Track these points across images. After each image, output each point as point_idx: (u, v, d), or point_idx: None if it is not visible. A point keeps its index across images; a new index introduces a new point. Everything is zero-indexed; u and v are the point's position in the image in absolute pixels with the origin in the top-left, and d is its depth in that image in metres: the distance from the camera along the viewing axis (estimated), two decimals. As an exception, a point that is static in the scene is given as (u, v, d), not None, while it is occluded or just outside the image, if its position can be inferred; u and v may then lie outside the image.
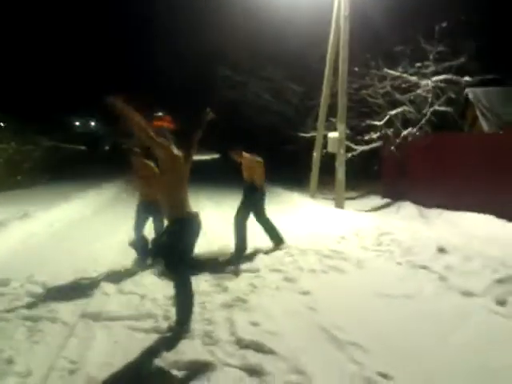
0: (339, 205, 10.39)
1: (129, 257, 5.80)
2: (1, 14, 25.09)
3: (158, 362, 3.17)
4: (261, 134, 24.16)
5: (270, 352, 3.32)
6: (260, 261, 5.85)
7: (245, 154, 6.50)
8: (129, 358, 3.27)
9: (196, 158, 6.40)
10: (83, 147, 32.07)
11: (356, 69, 12.35)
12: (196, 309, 4.11)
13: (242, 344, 3.45)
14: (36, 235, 7.35)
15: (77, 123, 52.40)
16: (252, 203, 6.48)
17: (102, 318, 3.94)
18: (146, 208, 5.70)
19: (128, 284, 4.89)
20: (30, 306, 4.22)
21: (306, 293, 4.62)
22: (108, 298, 4.46)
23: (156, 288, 4.74)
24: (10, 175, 13.70)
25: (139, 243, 5.71)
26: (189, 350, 3.35)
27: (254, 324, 3.78)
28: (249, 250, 6.44)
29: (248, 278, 5.12)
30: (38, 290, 4.73)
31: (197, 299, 4.33)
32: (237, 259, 5.87)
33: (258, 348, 3.38)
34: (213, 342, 3.47)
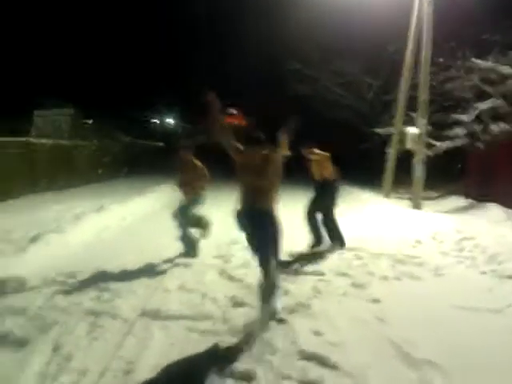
0: (416, 205, 9.66)
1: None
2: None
3: (213, 368, 3.00)
4: (332, 131, 23.47)
5: (333, 366, 3.02)
6: (326, 263, 5.53)
7: (316, 151, 6.20)
8: (183, 361, 3.14)
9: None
10: (161, 143, 33.36)
11: (440, 59, 11.41)
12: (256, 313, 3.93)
13: (303, 355, 3.18)
14: (109, 228, 7.61)
15: (155, 120, 54.87)
16: (323, 200, 6.17)
17: (161, 317, 3.87)
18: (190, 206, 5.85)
19: (190, 281, 4.82)
20: (94, 300, 4.27)
21: (375, 301, 4.23)
22: (169, 295, 4.41)
23: (217, 287, 4.61)
24: (92, 169, 14.54)
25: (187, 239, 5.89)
26: (245, 358, 3.15)
27: (317, 333, 3.49)
28: (314, 251, 6.14)
29: (312, 281, 4.82)
30: (104, 283, 4.79)
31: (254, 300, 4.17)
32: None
33: (320, 361, 3.09)
34: (271, 351, 3.24)
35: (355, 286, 4.64)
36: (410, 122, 11.91)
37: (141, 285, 4.75)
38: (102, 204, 9.20)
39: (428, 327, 3.63)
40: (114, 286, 4.71)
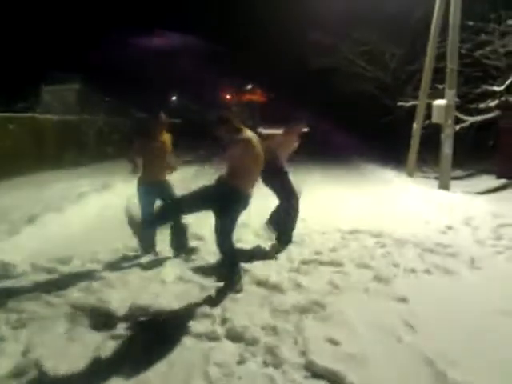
0: (444, 185, 8.88)
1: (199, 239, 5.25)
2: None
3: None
4: (354, 105, 22.48)
5: (351, 387, 2.45)
6: (344, 251, 4.90)
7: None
8: (173, 375, 2.62)
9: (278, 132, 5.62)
10: (178, 120, 32.90)
11: (470, 23, 10.38)
12: (262, 309, 3.39)
13: (314, 370, 2.62)
14: (111, 207, 7.09)
15: (173, 98, 54.40)
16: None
17: (151, 313, 3.36)
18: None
19: (189, 270, 4.29)
20: (81, 291, 3.79)
21: (402, 300, 3.61)
22: (164, 287, 3.89)
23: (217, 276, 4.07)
24: (101, 147, 14.07)
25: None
26: (244, 371, 2.62)
27: (332, 342, 2.92)
28: (332, 236, 5.53)
29: (329, 273, 4.23)
30: (97, 271, 4.33)
31: (264, 295, 3.62)
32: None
33: (334, 379, 2.53)
34: (276, 363, 2.69)
35: (378, 280, 4.02)
36: (436, 94, 11.02)
37: (135, 274, 4.25)
38: (107, 182, 8.74)
39: (469, 338, 2.99)
40: (106, 274, 4.23)
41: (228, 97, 53.96)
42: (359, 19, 15.49)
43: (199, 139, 19.99)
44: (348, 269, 4.33)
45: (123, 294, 3.72)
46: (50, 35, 23.29)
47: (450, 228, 5.93)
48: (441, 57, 10.66)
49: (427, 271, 4.27)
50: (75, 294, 3.75)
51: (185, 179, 10.96)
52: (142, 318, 3.29)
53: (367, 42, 16.32)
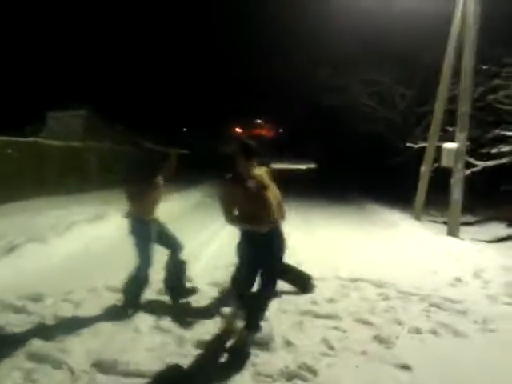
0: (453, 232, 8.43)
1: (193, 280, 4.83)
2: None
3: None
4: (363, 144, 22.31)
5: None
6: (344, 303, 4.46)
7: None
8: None
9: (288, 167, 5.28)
10: (185, 151, 33.15)
11: (484, 67, 10.19)
12: (243, 372, 2.95)
13: None
14: (99, 241, 6.77)
15: (184, 129, 55.26)
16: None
17: (116, 372, 2.93)
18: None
19: (169, 317, 3.87)
20: (43, 338, 3.38)
21: (405, 368, 3.15)
22: (136, 337, 3.47)
23: (200, 327, 3.64)
24: (105, 174, 13.86)
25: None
26: None
27: (321, 422, 2.47)
28: (330, 284, 5.09)
29: (323, 328, 3.77)
30: (68, 312, 3.97)
31: (246, 355, 3.18)
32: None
33: None
34: None
35: (379, 340, 3.56)
36: (446, 137, 10.74)
37: (108, 319, 3.82)
38: (101, 211, 8.42)
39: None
40: (76, 318, 3.84)
41: (238, 131, 54.58)
42: (369, 59, 15.47)
43: (205, 172, 19.85)
44: (346, 325, 3.87)
45: (89, 344, 3.31)
46: (64, 63, 23.83)
47: (458, 280, 5.46)
48: (452, 99, 10.43)
49: (434, 332, 3.80)
50: (37, 341, 3.33)
51: (185, 211, 10.68)
52: (103, 379, 2.86)
53: (377, 82, 16.25)
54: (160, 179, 4.20)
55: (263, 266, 3.37)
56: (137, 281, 4.09)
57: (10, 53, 20.75)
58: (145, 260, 4.06)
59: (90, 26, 26.89)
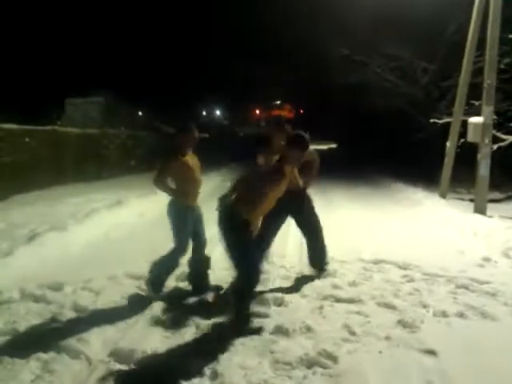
0: (480, 209, 8.12)
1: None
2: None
3: None
4: (384, 121, 21.77)
5: None
6: (366, 286, 4.33)
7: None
8: None
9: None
10: (207, 135, 33.15)
11: (510, 36, 9.66)
12: (261, 360, 2.87)
13: None
14: (119, 227, 6.76)
15: (203, 112, 54.94)
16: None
17: (133, 361, 2.90)
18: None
19: (186, 308, 3.81)
20: (60, 329, 3.38)
21: (430, 352, 3.01)
22: (154, 327, 3.43)
23: (219, 317, 3.57)
24: (124, 160, 13.92)
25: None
26: None
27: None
28: (353, 266, 4.96)
29: (345, 313, 3.66)
30: (87, 301, 3.94)
31: (266, 340, 3.10)
32: None
33: None
34: None
35: (403, 325, 3.42)
36: (471, 111, 10.31)
37: (125, 308, 3.80)
38: (121, 197, 8.44)
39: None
40: (95, 306, 3.83)
41: (257, 112, 54.09)
42: (390, 33, 14.89)
43: (226, 155, 19.77)
44: (368, 309, 3.75)
45: (107, 333, 3.28)
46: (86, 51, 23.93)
47: (487, 260, 5.25)
48: (477, 72, 9.97)
49: (461, 315, 3.64)
50: (55, 331, 3.33)
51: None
52: (120, 369, 2.82)
53: (398, 57, 15.68)
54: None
55: None
56: (167, 265, 4.02)
57: (27, 40, 20.92)
58: (181, 246, 3.97)
59: (107, 11, 26.81)
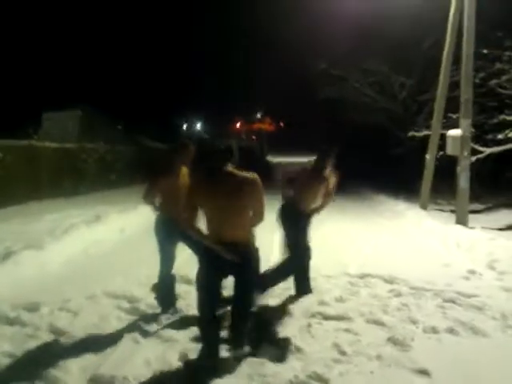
0: (461, 220, 8.20)
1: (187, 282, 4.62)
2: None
3: None
4: (363, 135, 22.01)
5: None
6: (354, 302, 4.25)
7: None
8: None
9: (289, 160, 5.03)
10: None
11: (485, 51, 9.91)
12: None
13: None
14: (98, 244, 6.56)
15: (184, 125, 54.74)
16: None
17: (114, 390, 2.73)
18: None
19: (171, 326, 3.66)
20: (37, 351, 3.21)
21: (423, 373, 2.93)
22: (136, 348, 3.26)
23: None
24: (103, 175, 13.64)
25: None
26: None
27: None
28: (339, 281, 4.88)
29: (334, 331, 3.56)
30: (65, 322, 3.77)
31: (254, 364, 2.97)
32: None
33: None
34: None
35: (394, 342, 3.34)
36: (449, 124, 10.51)
37: (106, 329, 3.63)
38: (100, 213, 8.22)
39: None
40: (73, 328, 3.63)
41: (238, 126, 54.20)
42: (366, 49, 15.15)
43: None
44: (357, 326, 3.66)
45: (86, 358, 3.10)
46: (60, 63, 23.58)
47: (472, 273, 5.25)
48: (454, 85, 10.18)
49: (451, 331, 3.58)
50: (29, 357, 3.14)
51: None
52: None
53: (376, 72, 15.93)
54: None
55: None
56: (163, 282, 3.90)
57: (3, 53, 20.50)
58: (167, 259, 3.89)
59: (81, 24, 26.59)
